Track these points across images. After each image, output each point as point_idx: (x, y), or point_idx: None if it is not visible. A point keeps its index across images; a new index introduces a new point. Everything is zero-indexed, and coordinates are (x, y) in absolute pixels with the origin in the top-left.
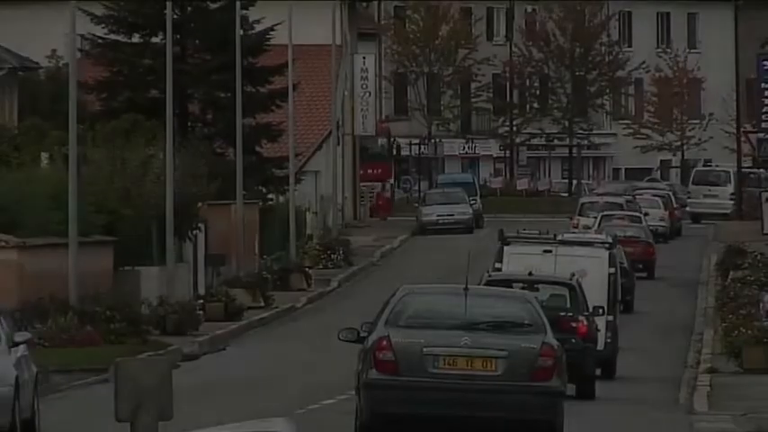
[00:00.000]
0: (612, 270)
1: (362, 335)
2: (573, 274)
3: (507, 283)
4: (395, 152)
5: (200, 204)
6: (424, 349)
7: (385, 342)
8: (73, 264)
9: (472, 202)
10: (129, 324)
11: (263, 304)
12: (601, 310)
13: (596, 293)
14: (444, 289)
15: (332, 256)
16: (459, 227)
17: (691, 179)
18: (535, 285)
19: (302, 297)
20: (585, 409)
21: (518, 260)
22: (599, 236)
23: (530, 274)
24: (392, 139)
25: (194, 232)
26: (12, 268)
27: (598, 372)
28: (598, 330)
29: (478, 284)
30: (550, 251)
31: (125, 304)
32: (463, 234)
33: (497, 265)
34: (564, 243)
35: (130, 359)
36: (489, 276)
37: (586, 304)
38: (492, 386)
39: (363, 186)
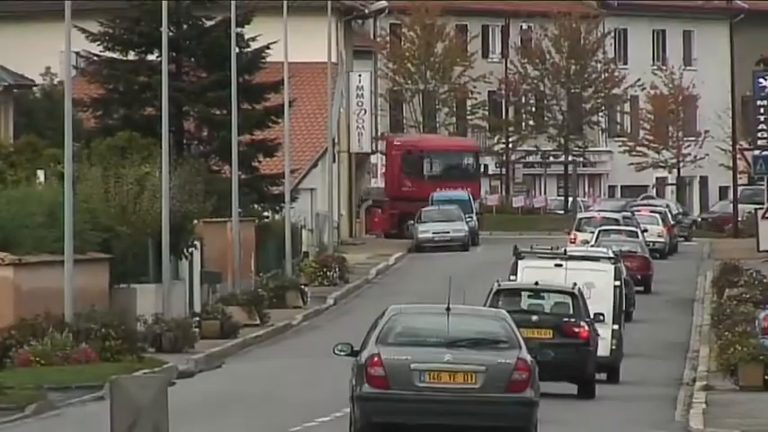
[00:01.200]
0: (618, 283)
1: (356, 349)
2: (575, 284)
3: (515, 291)
4: (482, 170)
5: (195, 222)
6: (411, 365)
7: (376, 359)
8: (69, 281)
9: (468, 219)
10: (125, 341)
11: (258, 322)
12: (601, 317)
13: (602, 304)
14: (428, 309)
15: (328, 273)
16: (454, 244)
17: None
18: (540, 294)
19: (298, 314)
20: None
21: (531, 273)
22: (605, 250)
23: (536, 283)
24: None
25: (190, 250)
26: (7, 286)
27: (603, 376)
28: (598, 335)
29: (488, 294)
30: (561, 265)
31: (121, 322)
32: (459, 252)
33: (512, 278)
34: (573, 258)
35: (126, 377)
36: (499, 286)
37: (588, 311)
38: (472, 398)
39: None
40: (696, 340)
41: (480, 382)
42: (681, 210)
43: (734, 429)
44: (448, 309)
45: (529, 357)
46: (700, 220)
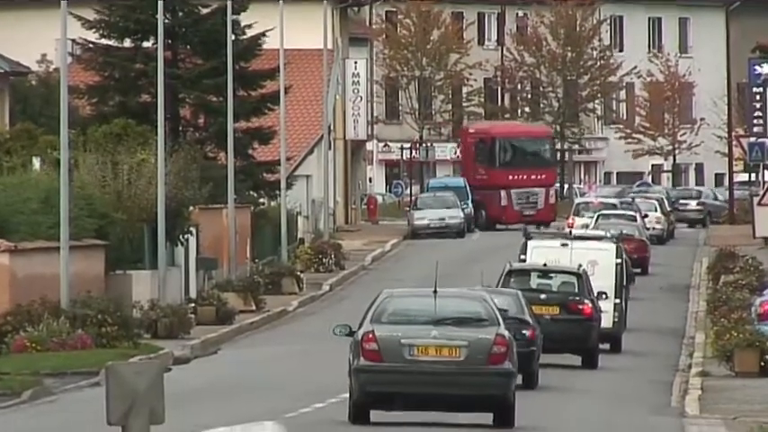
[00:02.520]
0: (619, 260)
1: (353, 330)
2: (580, 265)
3: (526, 272)
4: (559, 156)
5: (191, 208)
6: (402, 340)
7: (370, 335)
8: (64, 268)
9: (464, 206)
10: (121, 328)
11: (254, 308)
12: (604, 295)
13: (605, 280)
14: (417, 292)
15: (323, 260)
16: (450, 231)
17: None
18: (549, 274)
19: (294, 301)
20: (578, 413)
21: (540, 253)
22: (603, 232)
23: (544, 265)
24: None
25: (186, 236)
26: (3, 272)
27: (606, 346)
28: (601, 312)
29: (501, 274)
30: (567, 245)
31: (116, 308)
32: (455, 238)
33: (522, 257)
34: (578, 238)
35: (122, 363)
36: (510, 266)
37: (591, 289)
38: (456, 369)
39: (520, 193)
40: (692, 326)
41: (463, 356)
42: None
43: (729, 415)
44: (435, 291)
45: (507, 333)
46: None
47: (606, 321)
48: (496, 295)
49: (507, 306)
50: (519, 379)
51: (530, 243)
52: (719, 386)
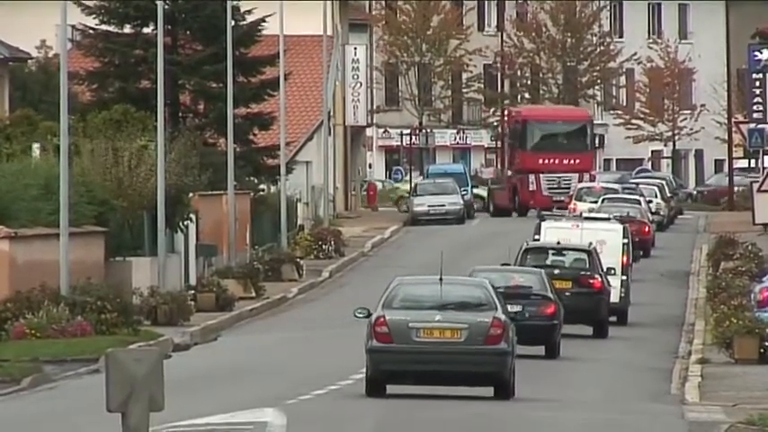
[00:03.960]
0: (626, 240)
1: (371, 313)
2: (590, 243)
3: (541, 249)
4: (597, 143)
5: (191, 195)
6: (410, 324)
7: (382, 319)
8: (64, 254)
9: (463, 192)
10: (121, 314)
11: (254, 295)
12: (612, 271)
13: (613, 258)
14: (425, 280)
15: (323, 246)
16: (450, 217)
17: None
18: (562, 251)
19: (293, 288)
20: (578, 401)
21: (552, 233)
22: (605, 215)
23: (558, 243)
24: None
25: (185, 223)
26: (3, 259)
27: (613, 318)
28: (610, 286)
29: (517, 253)
30: (578, 225)
31: (116, 295)
32: (454, 225)
33: (536, 237)
34: (587, 219)
35: (122, 350)
36: (527, 245)
37: (601, 265)
38: (458, 349)
39: (550, 178)
40: (692, 313)
41: (464, 337)
42: (677, 183)
43: (729, 402)
44: (440, 279)
45: (503, 317)
46: (695, 193)
47: (614, 296)
48: (522, 274)
49: (532, 284)
50: (542, 350)
51: (543, 224)
52: (719, 373)
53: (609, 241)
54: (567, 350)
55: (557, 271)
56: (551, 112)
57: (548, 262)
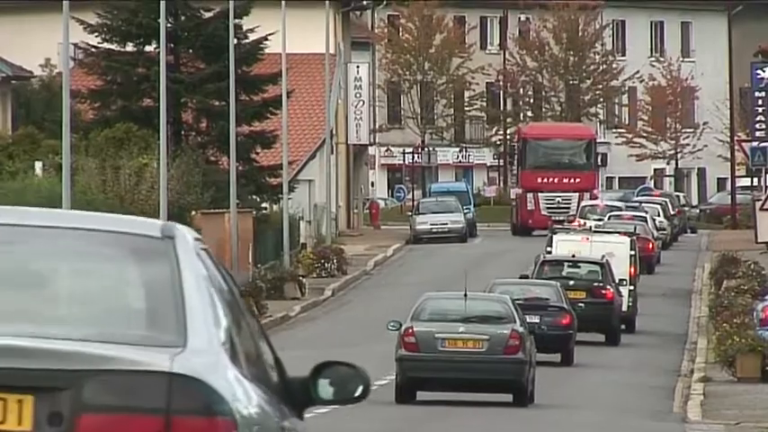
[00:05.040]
0: (633, 252)
1: (402, 324)
2: (603, 256)
3: (558, 262)
4: (600, 161)
5: (193, 213)
6: (435, 335)
7: (410, 330)
8: None
9: (466, 211)
10: None
11: (256, 313)
12: (624, 282)
13: (621, 269)
14: (451, 295)
15: (326, 264)
16: (452, 236)
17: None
18: (577, 264)
19: (296, 306)
20: (580, 421)
21: (563, 245)
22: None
23: (573, 256)
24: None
25: None
26: None
27: (622, 326)
28: (621, 296)
29: (535, 265)
30: (587, 238)
31: None
32: (457, 243)
33: (548, 249)
34: (597, 232)
35: None
36: (544, 257)
37: (613, 277)
38: (479, 358)
39: (550, 197)
40: (694, 332)
41: (485, 347)
42: (685, 200)
43: (731, 420)
44: (465, 295)
45: (521, 329)
46: (698, 211)
47: (622, 305)
48: (541, 287)
49: (549, 296)
50: (558, 357)
51: (555, 237)
52: (721, 391)
53: (617, 253)
54: (577, 358)
55: (572, 282)
56: (552, 130)
57: (563, 273)
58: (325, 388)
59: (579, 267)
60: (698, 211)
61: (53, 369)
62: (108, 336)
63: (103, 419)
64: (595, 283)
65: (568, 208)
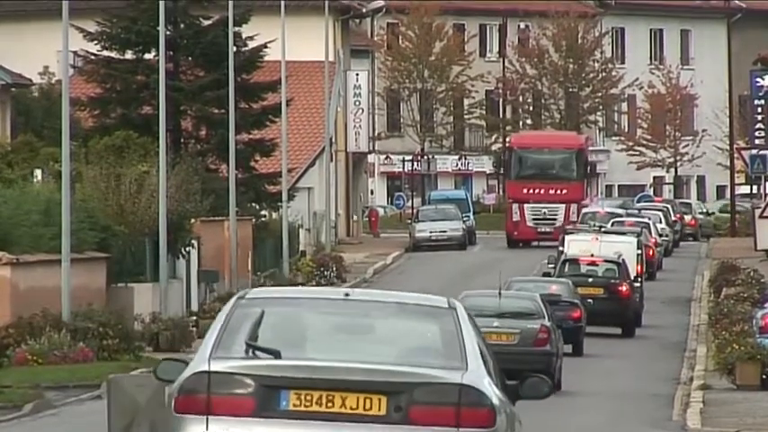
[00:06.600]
0: (640, 251)
1: None
2: (620, 255)
3: (576, 261)
4: (591, 170)
5: (193, 221)
6: None
7: None
8: (66, 280)
9: (465, 218)
10: (122, 340)
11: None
12: (638, 279)
13: (628, 266)
14: (487, 293)
15: (325, 272)
16: (451, 243)
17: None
18: (596, 262)
19: None
20: (580, 429)
21: (575, 245)
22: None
23: (591, 255)
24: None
25: (187, 249)
26: (4, 285)
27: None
28: (636, 293)
29: (556, 262)
30: (597, 238)
31: (118, 321)
32: (456, 251)
33: (561, 248)
34: (606, 233)
35: (123, 375)
36: (566, 256)
37: (629, 275)
38: (511, 350)
39: (535, 208)
40: (693, 339)
41: (516, 340)
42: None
43: (731, 428)
44: (499, 293)
45: (549, 324)
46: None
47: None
48: (554, 284)
49: (561, 292)
50: (569, 348)
51: (567, 237)
52: (721, 399)
53: (625, 252)
54: (575, 360)
55: (590, 279)
56: (539, 139)
57: (583, 271)
58: (525, 389)
59: (598, 266)
60: (712, 218)
61: (398, 381)
62: (424, 363)
63: (424, 409)
64: (612, 281)
65: (555, 220)
